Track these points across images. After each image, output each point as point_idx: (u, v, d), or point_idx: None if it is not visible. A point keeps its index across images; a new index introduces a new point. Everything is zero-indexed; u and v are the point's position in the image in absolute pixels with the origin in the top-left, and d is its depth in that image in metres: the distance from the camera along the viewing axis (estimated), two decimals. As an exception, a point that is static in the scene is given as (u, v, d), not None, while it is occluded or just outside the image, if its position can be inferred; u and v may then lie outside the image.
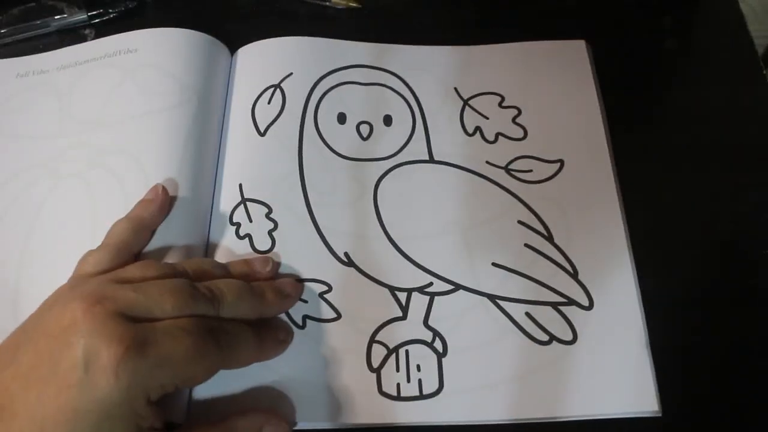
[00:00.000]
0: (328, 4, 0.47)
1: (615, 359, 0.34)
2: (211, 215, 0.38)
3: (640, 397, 0.33)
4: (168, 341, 0.28)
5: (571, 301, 0.35)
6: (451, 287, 0.36)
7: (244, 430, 0.30)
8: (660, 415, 0.32)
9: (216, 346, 0.29)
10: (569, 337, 0.34)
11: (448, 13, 0.47)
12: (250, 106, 0.41)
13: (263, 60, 0.43)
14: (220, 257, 0.36)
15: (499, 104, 0.42)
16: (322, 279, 0.36)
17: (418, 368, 0.34)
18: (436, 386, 0.33)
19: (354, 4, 0.47)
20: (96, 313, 0.27)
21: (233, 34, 0.44)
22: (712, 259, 0.37)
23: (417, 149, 0.40)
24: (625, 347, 0.34)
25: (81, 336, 0.27)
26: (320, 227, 0.37)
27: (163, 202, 0.35)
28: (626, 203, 0.38)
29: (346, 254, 0.37)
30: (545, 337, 0.34)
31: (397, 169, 0.39)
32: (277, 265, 0.36)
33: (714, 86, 0.43)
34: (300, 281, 0.36)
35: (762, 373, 0.34)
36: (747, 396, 0.34)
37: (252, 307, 0.32)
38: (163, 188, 0.36)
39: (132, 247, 0.34)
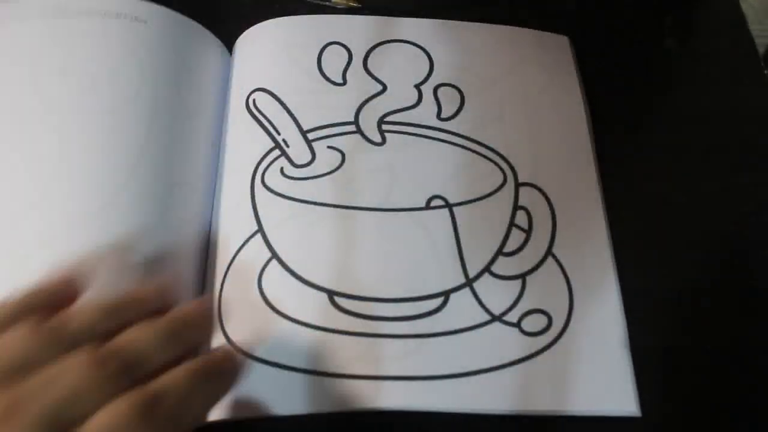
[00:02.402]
0: (328, 3, 0.47)
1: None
2: (212, 212, 0.38)
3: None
4: None
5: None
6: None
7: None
8: (639, 415, 0.32)
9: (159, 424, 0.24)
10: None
11: (448, 13, 0.46)
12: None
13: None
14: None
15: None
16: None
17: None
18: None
19: (354, 4, 0.47)
20: None
21: (233, 35, 0.44)
22: (711, 259, 0.37)
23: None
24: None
25: None
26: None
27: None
28: (625, 203, 0.38)
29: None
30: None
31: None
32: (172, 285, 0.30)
33: (714, 86, 0.43)
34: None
35: (751, 374, 0.34)
36: (726, 399, 0.34)
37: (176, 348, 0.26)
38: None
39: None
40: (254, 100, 0.40)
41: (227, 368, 0.27)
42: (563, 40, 0.44)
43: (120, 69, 0.37)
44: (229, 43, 0.44)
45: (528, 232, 0.37)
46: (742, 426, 0.33)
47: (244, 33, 0.44)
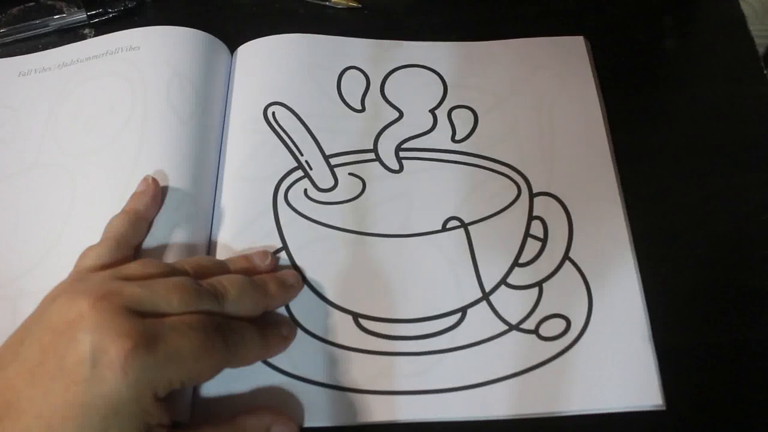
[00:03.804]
0: (327, 3, 0.47)
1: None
2: (213, 210, 0.38)
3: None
4: (176, 337, 0.28)
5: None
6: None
7: (252, 429, 0.30)
8: (664, 408, 0.32)
9: (223, 343, 0.29)
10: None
11: (448, 13, 0.46)
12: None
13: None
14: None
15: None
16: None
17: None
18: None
19: (354, 4, 0.47)
20: (103, 308, 0.27)
21: (233, 34, 0.44)
22: (712, 258, 0.37)
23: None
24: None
25: (88, 331, 0.26)
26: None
27: (155, 192, 0.36)
28: (626, 202, 0.38)
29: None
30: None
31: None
32: (277, 258, 0.36)
33: (714, 86, 0.43)
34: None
35: (761, 370, 0.34)
36: (748, 393, 0.34)
37: (256, 301, 0.32)
38: (153, 179, 0.36)
39: (130, 240, 0.34)
40: (273, 113, 0.40)
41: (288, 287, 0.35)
42: (578, 41, 0.44)
43: (117, 98, 0.40)
44: (228, 41, 0.44)
45: (543, 241, 0.37)
46: (763, 420, 0.33)
47: (255, 41, 0.44)
